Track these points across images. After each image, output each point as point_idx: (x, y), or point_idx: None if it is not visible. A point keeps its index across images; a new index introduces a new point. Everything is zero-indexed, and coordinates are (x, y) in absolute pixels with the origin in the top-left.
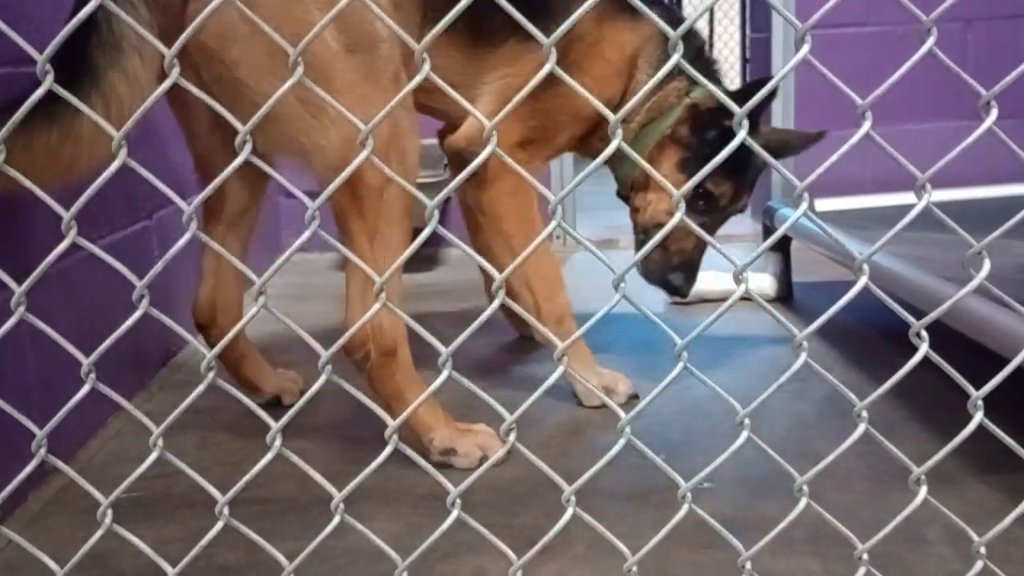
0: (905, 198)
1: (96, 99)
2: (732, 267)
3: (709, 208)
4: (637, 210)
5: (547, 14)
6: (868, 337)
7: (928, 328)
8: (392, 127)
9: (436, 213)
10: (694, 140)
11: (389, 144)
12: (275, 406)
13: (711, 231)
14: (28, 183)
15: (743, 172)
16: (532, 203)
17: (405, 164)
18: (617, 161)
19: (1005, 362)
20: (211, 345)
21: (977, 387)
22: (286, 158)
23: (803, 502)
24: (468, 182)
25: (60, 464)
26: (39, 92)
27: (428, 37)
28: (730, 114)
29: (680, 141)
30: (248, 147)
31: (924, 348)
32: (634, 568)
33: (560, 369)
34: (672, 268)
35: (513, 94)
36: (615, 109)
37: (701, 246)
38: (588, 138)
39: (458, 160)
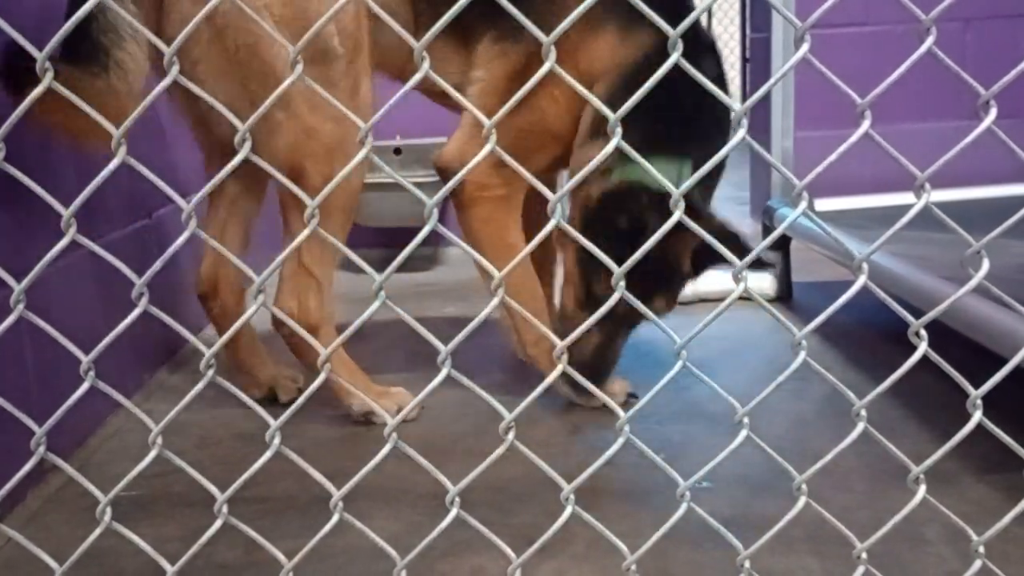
0: (904, 198)
1: (113, 71)
2: (731, 266)
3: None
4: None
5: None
6: (867, 336)
7: (927, 327)
8: (342, 133)
9: (435, 212)
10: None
11: (336, 148)
12: (271, 402)
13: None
14: (82, 104)
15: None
16: (509, 229)
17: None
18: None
19: (1003, 361)
20: (210, 317)
21: (975, 386)
22: (260, 153)
23: (802, 501)
24: (452, 202)
25: (59, 462)
26: (39, 89)
27: (427, 36)
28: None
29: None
30: (248, 145)
31: (923, 347)
32: (633, 567)
33: (559, 368)
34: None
35: (489, 100)
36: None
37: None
38: (565, 158)
39: (445, 177)
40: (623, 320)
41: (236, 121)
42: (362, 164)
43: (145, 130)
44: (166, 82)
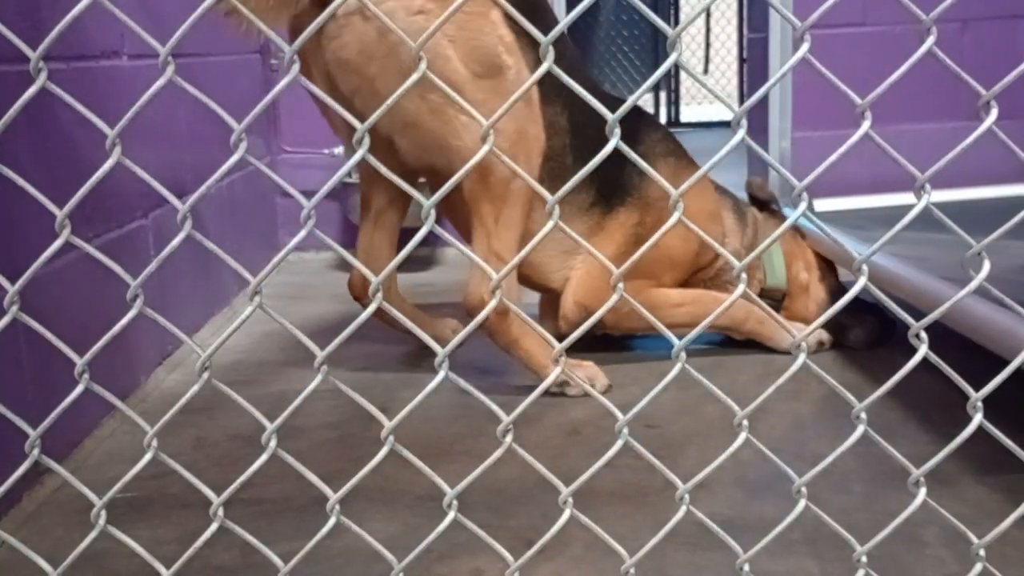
0: (903, 198)
1: None
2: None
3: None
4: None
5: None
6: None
7: (926, 328)
8: (519, 131)
9: (432, 213)
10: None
11: (516, 144)
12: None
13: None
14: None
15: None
16: (646, 294)
17: (530, 162)
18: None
19: (1002, 362)
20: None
21: (974, 387)
22: (430, 157)
23: (801, 504)
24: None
25: (54, 465)
26: (31, 90)
27: (423, 38)
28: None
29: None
30: (243, 146)
31: (923, 349)
32: (632, 570)
33: (557, 370)
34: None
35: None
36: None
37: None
38: (690, 281)
39: (573, 323)
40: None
41: (232, 121)
42: (540, 153)
43: (144, 130)
44: (161, 82)
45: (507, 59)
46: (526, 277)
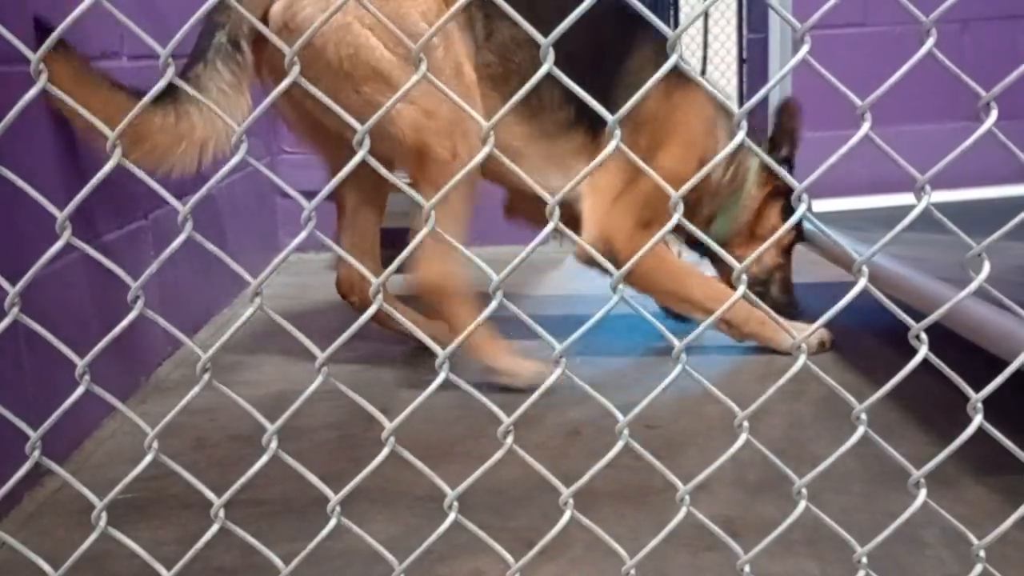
0: (901, 199)
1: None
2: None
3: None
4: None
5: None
6: (864, 337)
7: (926, 329)
8: (455, 112)
9: (432, 214)
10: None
11: (452, 126)
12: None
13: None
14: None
15: None
16: (668, 260)
17: (467, 143)
18: (717, 216)
19: (1001, 362)
20: (355, 310)
21: (973, 388)
22: (373, 148)
23: (802, 505)
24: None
25: (54, 466)
26: (32, 92)
27: (423, 39)
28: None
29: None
30: (244, 147)
31: (923, 350)
32: (632, 571)
33: (558, 371)
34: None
35: (605, 186)
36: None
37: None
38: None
39: (593, 262)
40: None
41: (232, 123)
42: (478, 137)
43: None
44: (162, 84)
45: (433, 39)
46: (500, 175)
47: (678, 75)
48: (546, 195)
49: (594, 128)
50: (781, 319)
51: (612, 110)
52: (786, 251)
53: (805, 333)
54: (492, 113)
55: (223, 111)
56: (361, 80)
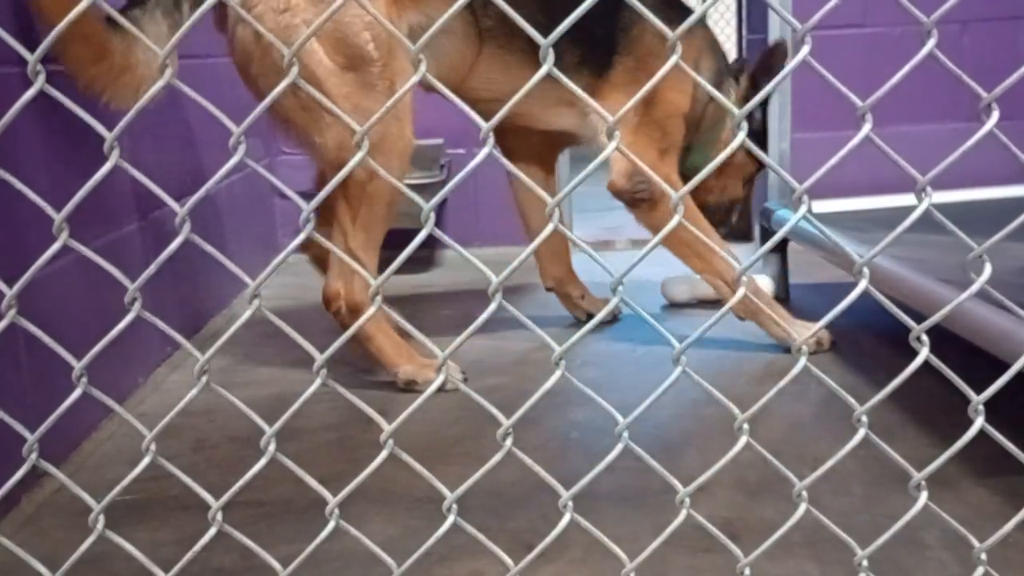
0: (901, 199)
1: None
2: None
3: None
4: (711, 191)
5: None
6: (865, 338)
7: (927, 331)
8: (380, 132)
9: (432, 215)
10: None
11: (378, 142)
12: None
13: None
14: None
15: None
16: (702, 219)
17: (390, 162)
18: (693, 149)
19: (1001, 363)
20: (339, 321)
21: (974, 389)
22: (309, 153)
23: (802, 508)
24: (639, 209)
25: (52, 469)
26: (30, 93)
27: (422, 39)
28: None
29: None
30: (242, 148)
31: (925, 352)
32: (632, 574)
33: (557, 373)
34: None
35: (623, 120)
36: (690, 116)
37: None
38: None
39: (628, 199)
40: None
41: (231, 125)
42: (403, 159)
43: (143, 132)
44: (159, 84)
45: (373, 51)
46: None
47: (677, 14)
48: (546, 196)
49: (600, 69)
50: (786, 317)
51: (613, 47)
52: (748, 182)
53: (806, 334)
54: (495, 75)
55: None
56: (296, 84)
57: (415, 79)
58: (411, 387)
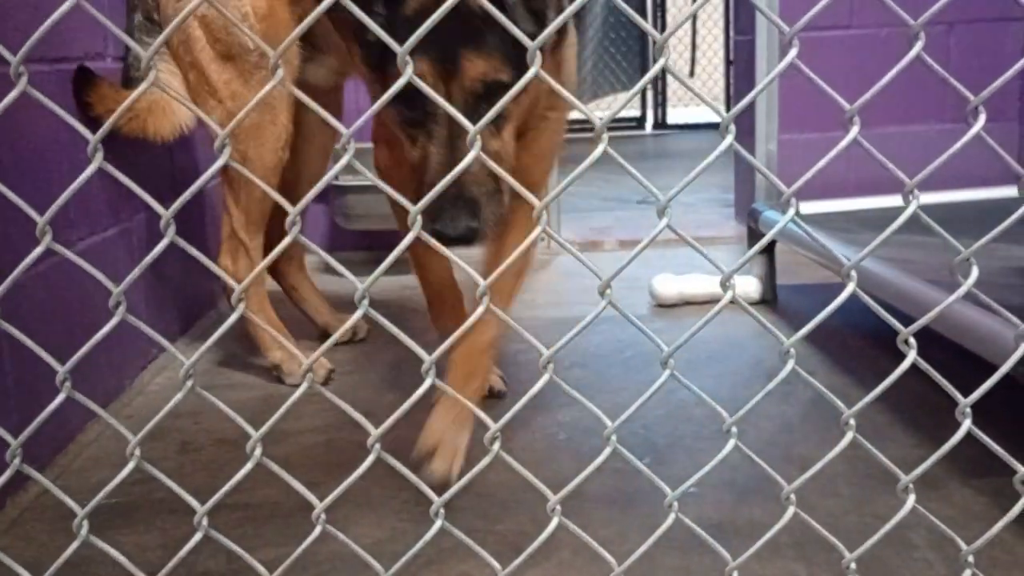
0: (888, 200)
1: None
2: (717, 270)
3: None
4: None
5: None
6: (852, 339)
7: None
8: (257, 119)
9: (419, 218)
10: None
11: (252, 130)
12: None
13: None
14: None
15: None
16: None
17: (261, 151)
18: None
19: (988, 365)
20: (277, 280)
21: (960, 390)
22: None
23: (790, 511)
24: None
25: (35, 474)
26: (12, 95)
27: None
28: None
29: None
30: (227, 151)
31: (912, 355)
32: None
33: (545, 377)
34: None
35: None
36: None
37: None
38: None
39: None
40: None
41: (215, 126)
42: (276, 143)
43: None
44: (144, 86)
45: (248, 41)
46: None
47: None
48: (533, 199)
49: None
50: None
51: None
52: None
53: (796, 336)
54: None
55: (168, 84)
56: (188, 67)
57: (272, 83)
58: (277, 373)
